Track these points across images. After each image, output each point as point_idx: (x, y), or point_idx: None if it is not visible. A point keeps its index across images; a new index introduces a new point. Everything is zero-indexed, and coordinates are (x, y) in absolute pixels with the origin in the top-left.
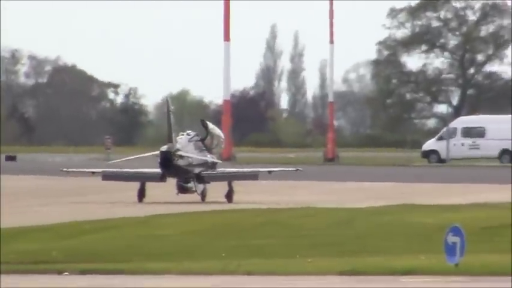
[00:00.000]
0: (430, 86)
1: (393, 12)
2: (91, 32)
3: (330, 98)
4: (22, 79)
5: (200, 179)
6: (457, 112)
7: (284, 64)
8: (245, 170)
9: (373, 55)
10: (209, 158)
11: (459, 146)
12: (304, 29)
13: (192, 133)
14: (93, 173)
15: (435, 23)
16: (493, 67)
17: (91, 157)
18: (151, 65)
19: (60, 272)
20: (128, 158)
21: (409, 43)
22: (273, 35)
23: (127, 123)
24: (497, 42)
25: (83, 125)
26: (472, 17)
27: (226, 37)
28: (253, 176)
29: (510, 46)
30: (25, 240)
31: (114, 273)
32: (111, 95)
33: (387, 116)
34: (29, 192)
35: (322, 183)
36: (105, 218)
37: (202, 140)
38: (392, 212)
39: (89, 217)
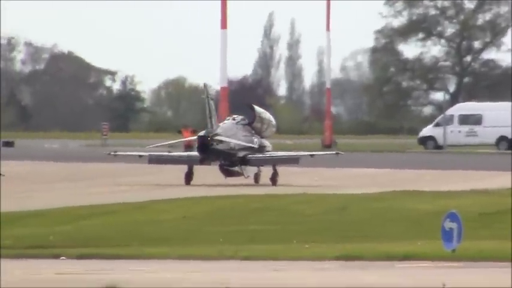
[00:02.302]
0: (427, 73)
1: (390, 1)
2: (88, 19)
3: (327, 85)
4: (18, 66)
5: (245, 162)
6: (454, 99)
7: (281, 51)
8: (288, 153)
9: (370, 43)
10: (256, 141)
11: (456, 133)
12: (301, 16)
13: (239, 117)
14: (140, 156)
15: (432, 11)
16: (490, 55)
17: (88, 143)
18: (149, 52)
19: (57, 257)
20: (167, 142)
21: (406, 31)
22: (270, 23)
23: (123, 110)
24: (494, 30)
25: (79, 111)
26: (469, 4)
27: (223, 24)
28: (295, 160)
29: (511, 32)
30: (22, 225)
31: (111, 258)
32: (108, 82)
33: (384, 104)
34: (27, 177)
35: (320, 170)
36: (103, 203)
37: (250, 124)
38: (389, 198)
39: (86, 202)
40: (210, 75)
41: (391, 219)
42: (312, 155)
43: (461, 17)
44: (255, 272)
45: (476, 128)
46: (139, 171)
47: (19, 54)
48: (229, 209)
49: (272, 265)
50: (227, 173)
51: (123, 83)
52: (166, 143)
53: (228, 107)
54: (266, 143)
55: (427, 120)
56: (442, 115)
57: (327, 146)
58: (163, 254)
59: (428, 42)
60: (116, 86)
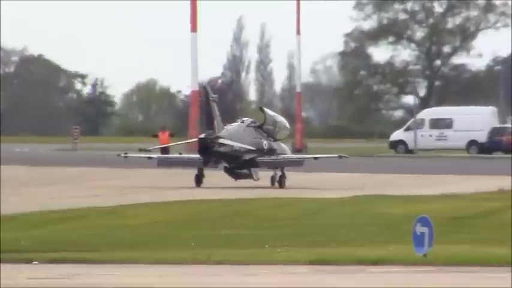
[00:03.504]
0: (397, 77)
1: (360, 4)
2: (58, 22)
3: (298, 89)
4: None
5: (253, 164)
6: (424, 103)
7: (251, 55)
8: (293, 156)
9: (340, 47)
10: (265, 144)
11: (427, 137)
12: (271, 19)
13: (248, 120)
14: (149, 158)
15: (402, 15)
16: (459, 59)
17: (58, 147)
18: (119, 55)
19: (29, 261)
20: (171, 144)
21: (376, 35)
22: (240, 26)
23: (93, 114)
24: (463, 34)
25: (50, 115)
26: (438, 8)
27: (193, 28)
28: (299, 163)
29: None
30: None
31: (83, 262)
32: (78, 86)
33: (354, 107)
34: None
35: (290, 174)
36: (74, 208)
37: (260, 127)
38: (361, 202)
39: (57, 206)
40: (180, 78)
41: (363, 224)
42: (315, 158)
43: (431, 20)
44: (227, 276)
45: (447, 132)
46: (111, 175)
47: None
48: (201, 213)
49: (245, 269)
50: (236, 175)
51: (93, 86)
52: (167, 145)
53: (198, 111)
54: (281, 145)
55: (398, 124)
56: (412, 119)
57: (298, 150)
58: (135, 259)
59: (399, 46)
60: (86, 90)
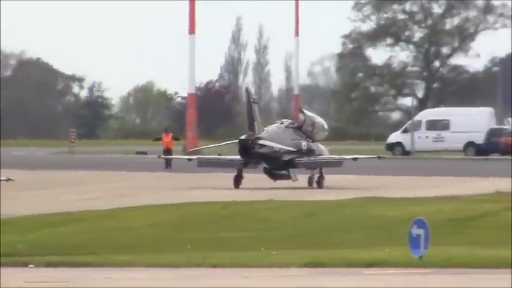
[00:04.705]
0: (395, 79)
1: (358, 5)
2: (56, 25)
3: (295, 92)
4: None
5: (292, 165)
6: (422, 105)
7: (249, 57)
8: (331, 157)
9: (338, 48)
10: (304, 145)
11: (424, 139)
12: (269, 21)
13: (287, 121)
14: (189, 159)
15: (400, 16)
16: (458, 60)
17: (55, 151)
18: (117, 58)
19: (25, 265)
20: (208, 146)
21: (374, 36)
22: (238, 28)
23: (91, 117)
24: (462, 35)
25: (47, 118)
26: (437, 9)
27: (191, 29)
28: (338, 163)
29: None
30: None
31: (79, 265)
32: (75, 89)
33: (352, 109)
34: None
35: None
36: (71, 211)
37: (300, 128)
38: (357, 204)
39: (55, 210)
40: (178, 80)
41: (359, 226)
42: (354, 159)
43: (430, 21)
44: (223, 279)
45: (444, 134)
46: (108, 178)
47: None
48: (197, 215)
49: (240, 272)
50: (275, 176)
51: (90, 89)
52: (207, 146)
53: (195, 114)
54: (320, 146)
55: (395, 126)
56: (410, 121)
57: None
58: (132, 262)
59: (397, 48)
60: (84, 93)
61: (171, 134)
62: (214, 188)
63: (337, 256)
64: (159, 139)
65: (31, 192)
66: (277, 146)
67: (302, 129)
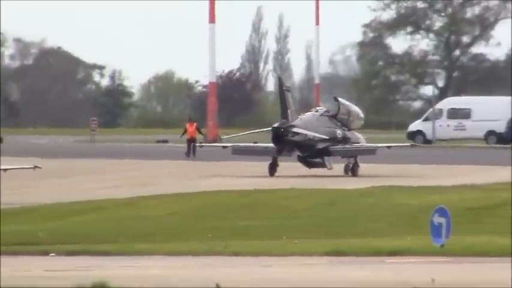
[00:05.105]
0: (416, 67)
1: None
2: (76, 14)
3: (316, 81)
4: (7, 61)
5: (327, 153)
6: (443, 94)
7: (269, 46)
8: (365, 145)
9: (358, 37)
10: (339, 133)
11: (445, 127)
12: (290, 10)
13: (322, 109)
14: (224, 147)
15: (421, 5)
16: (478, 49)
17: (77, 139)
18: (137, 46)
19: (46, 253)
20: (241, 133)
21: (395, 25)
22: (259, 16)
23: (111, 105)
24: (482, 24)
25: (68, 107)
26: None
27: (212, 18)
28: (372, 151)
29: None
30: (12, 221)
31: (100, 254)
32: (96, 77)
33: (372, 98)
34: (15, 174)
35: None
36: (92, 200)
37: (335, 116)
38: (377, 193)
39: (75, 198)
40: (198, 69)
41: (380, 215)
42: (388, 147)
43: (450, 10)
44: (244, 267)
45: (465, 122)
46: (129, 166)
47: (7, 50)
48: (218, 204)
49: (261, 261)
50: (310, 164)
51: (111, 78)
52: (241, 134)
53: (216, 102)
54: (356, 135)
55: (416, 115)
56: (430, 109)
57: None
58: (152, 250)
59: (417, 36)
60: (105, 82)
61: (195, 124)
62: (238, 177)
63: (358, 245)
64: (185, 132)
65: (52, 181)
66: (310, 133)
67: (337, 117)
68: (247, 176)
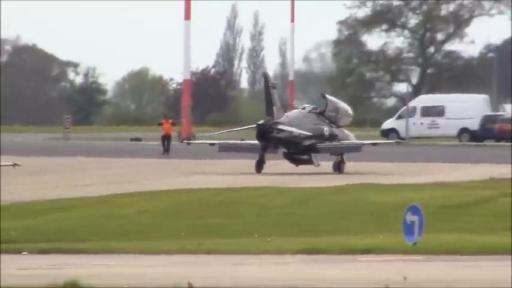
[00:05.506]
0: (390, 65)
1: None
2: (51, 11)
3: (291, 78)
4: None
5: (314, 150)
6: (417, 91)
7: (244, 43)
8: (351, 142)
9: (334, 35)
10: (326, 130)
11: (418, 125)
12: (265, 7)
13: (310, 107)
14: (211, 144)
15: (396, 2)
16: (452, 46)
17: (50, 137)
18: (112, 44)
19: (18, 252)
20: (226, 131)
21: (370, 22)
22: (234, 14)
23: (85, 103)
24: (457, 21)
25: (42, 105)
26: None
27: (187, 16)
28: (358, 148)
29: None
30: None
31: (72, 252)
32: (71, 75)
33: (347, 95)
34: None
35: (279, 162)
36: (65, 198)
37: (322, 113)
38: (351, 191)
39: (48, 196)
40: (173, 66)
41: (353, 213)
42: (374, 144)
43: (425, 7)
44: (216, 266)
45: (439, 120)
46: (102, 164)
47: None
48: (191, 202)
49: (234, 259)
50: (296, 161)
51: (85, 75)
52: (226, 131)
53: (190, 99)
54: (344, 132)
55: (390, 112)
56: (404, 107)
57: None
58: (125, 249)
59: (392, 34)
60: (79, 79)
61: (170, 120)
62: (212, 174)
63: (331, 243)
64: (161, 124)
65: (25, 179)
66: (296, 131)
67: (325, 114)
68: (229, 174)
